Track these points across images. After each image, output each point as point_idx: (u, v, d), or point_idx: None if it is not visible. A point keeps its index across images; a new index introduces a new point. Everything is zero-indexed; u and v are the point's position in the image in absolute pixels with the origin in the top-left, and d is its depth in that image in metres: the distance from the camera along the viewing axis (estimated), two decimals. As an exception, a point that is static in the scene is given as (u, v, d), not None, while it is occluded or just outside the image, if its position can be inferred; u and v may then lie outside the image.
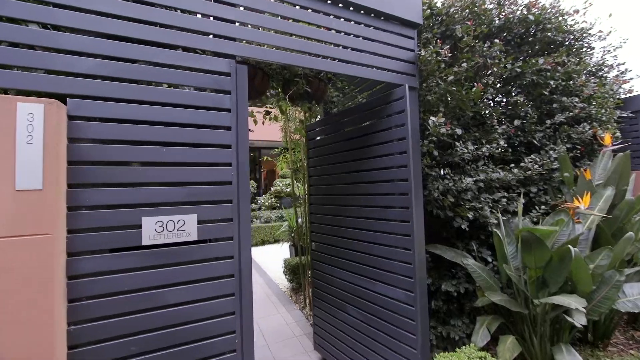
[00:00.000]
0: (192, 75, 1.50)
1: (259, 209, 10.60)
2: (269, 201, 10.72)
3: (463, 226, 2.46)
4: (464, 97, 2.21)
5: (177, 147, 1.45)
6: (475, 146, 2.56)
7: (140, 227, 1.36)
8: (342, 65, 1.95)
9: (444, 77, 2.15)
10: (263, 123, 3.02)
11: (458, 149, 2.39)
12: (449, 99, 2.26)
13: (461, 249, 2.75)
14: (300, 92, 2.20)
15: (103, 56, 1.36)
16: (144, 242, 1.37)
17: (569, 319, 1.96)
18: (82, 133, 1.29)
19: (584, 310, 1.76)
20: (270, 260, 7.11)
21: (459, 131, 2.39)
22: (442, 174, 2.53)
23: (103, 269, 1.30)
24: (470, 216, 2.34)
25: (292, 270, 4.92)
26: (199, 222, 1.47)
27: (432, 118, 2.07)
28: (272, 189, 10.95)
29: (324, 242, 2.91)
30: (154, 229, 1.38)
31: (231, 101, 1.57)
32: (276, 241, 8.98)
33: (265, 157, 5.67)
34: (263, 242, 9.33)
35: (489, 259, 2.67)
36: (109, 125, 1.34)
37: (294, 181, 4.85)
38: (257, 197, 11.07)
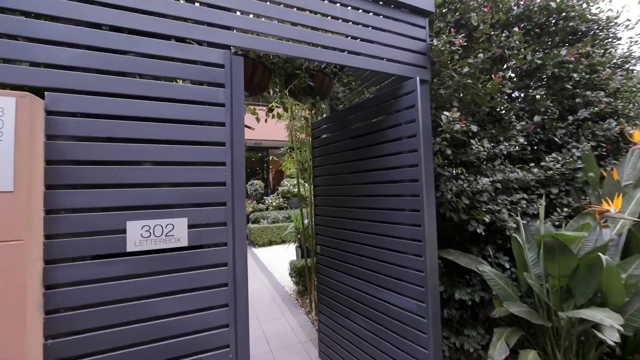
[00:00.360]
0: (182, 67, 1.38)
1: (267, 209, 10.52)
2: (277, 201, 10.63)
3: (479, 230, 2.29)
4: (480, 90, 2.04)
5: (166, 144, 1.34)
6: (492, 144, 2.37)
7: (125, 232, 1.25)
8: (350, 57, 1.80)
9: (458, 69, 1.99)
10: (266, 121, 2.90)
11: (473, 147, 2.21)
12: (464, 93, 2.09)
13: (476, 255, 2.57)
14: (303, 87, 2.06)
15: (85, 46, 1.25)
16: (129, 249, 1.26)
17: (599, 334, 1.77)
18: (61, 130, 1.19)
19: (620, 327, 1.57)
20: (277, 262, 7.01)
21: (474, 128, 2.22)
22: (455, 173, 2.36)
23: (84, 277, 1.20)
24: (487, 219, 2.16)
25: (298, 273, 4.79)
26: (189, 227, 1.35)
27: (446, 113, 1.91)
28: (279, 189, 10.85)
29: (330, 246, 2.77)
30: (140, 234, 1.27)
31: (225, 95, 1.45)
32: (283, 242, 8.88)
33: (271, 157, 5.56)
34: (270, 243, 9.25)
35: (507, 265, 2.48)
36: (91, 121, 1.24)
37: (301, 181, 4.72)
38: (265, 197, 10.99)
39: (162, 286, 1.30)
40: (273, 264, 6.97)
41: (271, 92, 2.50)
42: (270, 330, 3.73)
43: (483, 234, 2.32)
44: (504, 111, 2.67)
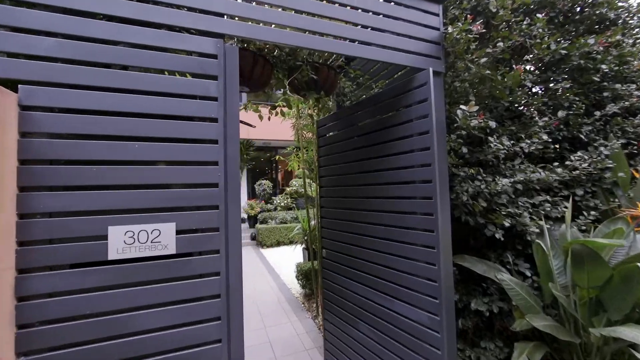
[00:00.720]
0: (171, 58, 1.26)
1: (275, 209, 10.44)
2: (285, 201, 10.54)
3: (497, 235, 2.10)
4: (500, 82, 1.85)
5: (152, 142, 1.22)
6: (512, 142, 2.18)
7: (106, 238, 1.14)
8: (359, 47, 1.65)
9: (475, 60, 1.81)
10: (269, 118, 2.78)
11: (492, 144, 2.03)
12: (481, 86, 1.91)
13: (493, 261, 2.38)
14: (306, 80, 1.92)
15: (65, 35, 1.14)
16: (111, 257, 1.14)
17: (638, 355, 1.57)
18: (37, 126, 1.09)
19: (665, 351, 1.38)
20: (285, 263, 6.90)
21: (492, 124, 2.04)
22: (471, 173, 2.18)
23: (61, 288, 1.09)
24: (507, 224, 1.98)
25: (305, 276, 4.67)
26: (177, 232, 1.23)
27: (463, 107, 1.74)
28: (287, 189, 10.75)
29: (336, 250, 2.62)
30: (122, 241, 1.16)
31: (218, 88, 1.32)
32: (291, 242, 8.78)
33: (278, 157, 5.45)
34: (278, 244, 9.16)
35: (528, 273, 2.28)
36: (70, 117, 1.13)
37: (308, 180, 4.59)
38: (273, 197, 10.92)
39: (147, 298, 1.18)
40: (280, 265, 6.86)
41: (273, 89, 2.36)
42: (275, 336, 3.61)
43: (502, 239, 2.13)
44: (522, 106, 2.47)
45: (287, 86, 2.04)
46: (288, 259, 7.07)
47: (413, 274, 1.84)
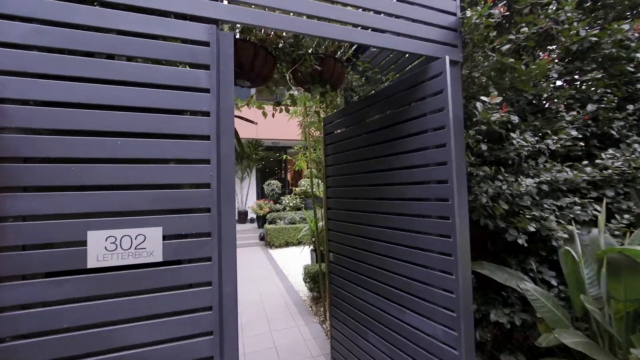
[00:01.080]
0: (158, 46, 1.15)
1: (284, 209, 10.35)
2: (294, 202, 10.44)
3: (520, 241, 1.92)
4: (524, 73, 1.67)
5: (137, 138, 1.11)
6: (536, 138, 1.99)
7: (85, 244, 1.03)
8: (369, 35, 1.50)
9: (497, 46, 1.63)
10: (273, 115, 2.66)
11: (514, 141, 1.85)
12: (502, 77, 1.73)
13: (514, 268, 2.19)
14: (309, 72, 1.79)
15: (41, 20, 1.04)
16: (90, 264, 1.03)
17: (688, 381, 1.37)
18: (9, 121, 0.99)
19: None
20: (293, 264, 6.79)
21: (514, 118, 1.86)
22: (489, 173, 2.00)
23: (35, 299, 0.99)
24: (532, 228, 1.79)
25: (312, 279, 4.53)
26: (164, 238, 1.11)
27: (484, 97, 1.57)
28: (296, 189, 10.65)
29: (343, 254, 2.48)
30: (103, 247, 1.05)
31: (210, 79, 1.20)
32: (300, 243, 8.65)
33: (285, 156, 5.34)
34: (287, 244, 9.07)
35: (553, 282, 2.08)
36: (46, 111, 1.02)
37: (315, 180, 4.45)
38: (282, 198, 10.83)
39: (130, 310, 1.07)
40: (288, 266, 6.75)
41: (278, 86, 2.23)
42: (282, 341, 3.49)
43: (525, 245, 1.94)
44: (546, 101, 2.27)
45: (290, 78, 1.90)
46: (296, 260, 6.95)
47: (427, 283, 1.68)
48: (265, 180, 11.92)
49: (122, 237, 1.07)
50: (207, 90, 1.19)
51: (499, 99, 1.56)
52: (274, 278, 5.98)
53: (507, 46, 1.61)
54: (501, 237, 2.13)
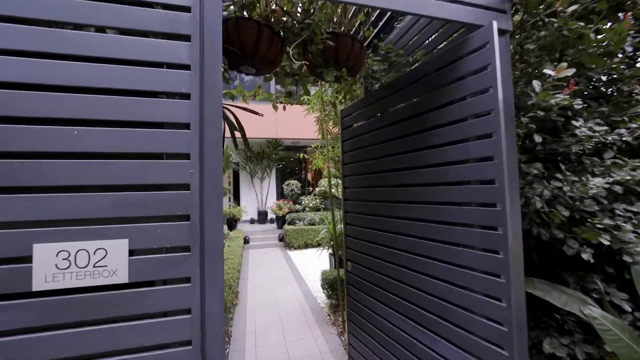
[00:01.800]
0: (128, 12, 0.92)
1: (303, 210, 10.14)
2: (313, 202, 10.20)
3: (585, 256, 1.54)
4: (596, 42, 1.30)
5: (97, 126, 0.88)
6: (605, 128, 1.60)
7: (30, 260, 0.82)
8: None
9: (560, 10, 1.27)
10: (284, 109, 2.41)
11: (578, 131, 1.47)
12: (565, 48, 1.37)
13: (573, 287, 1.80)
14: (320, 49, 1.50)
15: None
16: (36, 287, 0.82)
17: None
18: (-62, 105, 0.79)
19: None
20: (311, 267, 6.54)
21: (577, 104, 1.48)
22: (544, 172, 1.63)
23: (-33, 330, 0.78)
24: (605, 241, 1.41)
25: (331, 286, 4.25)
26: (131, 253, 0.88)
27: (548, 70, 1.21)
28: (315, 189, 10.41)
29: (363, 264, 2.18)
30: (53, 264, 0.83)
31: (192, 52, 0.95)
32: (319, 245, 8.39)
33: (302, 155, 5.09)
34: (306, 245, 8.84)
35: (626, 307, 1.67)
36: (-15, 93, 0.82)
37: (334, 180, 4.17)
38: (301, 198, 10.64)
39: (87, 345, 0.84)
40: (307, 269, 6.52)
41: (287, 73, 1.96)
42: (296, 353, 3.24)
43: (592, 260, 1.56)
44: (617, 82, 1.85)
45: (294, 57, 1.62)
46: (315, 263, 6.70)
47: (467, 308, 1.34)
48: (286, 180, 11.79)
49: (78, 251, 0.84)
50: (187, 67, 0.95)
51: (570, 71, 1.19)
52: (291, 282, 5.76)
53: (574, 7, 1.25)
54: (555, 248, 1.75)
